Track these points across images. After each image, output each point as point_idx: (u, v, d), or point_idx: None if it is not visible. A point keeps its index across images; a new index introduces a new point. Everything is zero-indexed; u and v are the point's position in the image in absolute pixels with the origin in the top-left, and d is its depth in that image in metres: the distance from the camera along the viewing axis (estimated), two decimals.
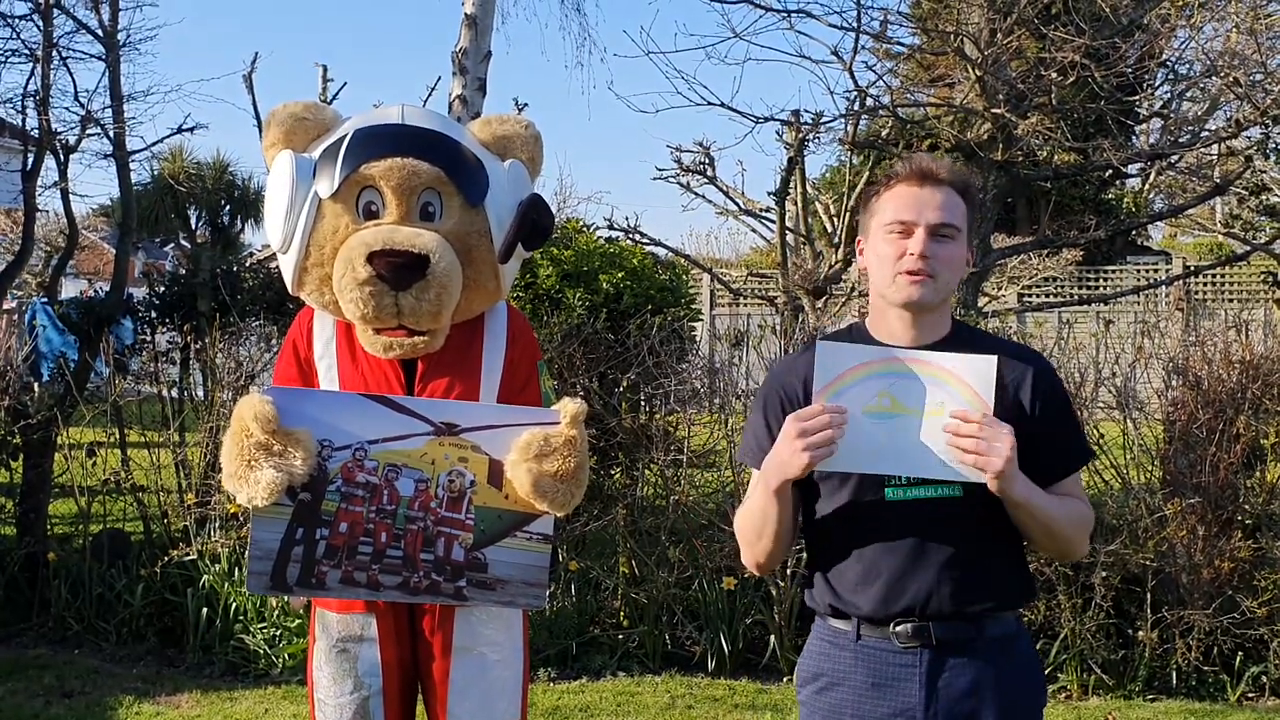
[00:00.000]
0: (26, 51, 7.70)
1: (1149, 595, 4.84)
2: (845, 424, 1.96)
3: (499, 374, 2.64)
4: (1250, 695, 4.85)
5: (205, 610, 5.21)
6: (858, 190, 8.19)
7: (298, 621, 5.00)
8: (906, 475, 2.02)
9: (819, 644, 2.15)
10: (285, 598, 4.73)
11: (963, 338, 2.13)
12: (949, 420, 1.96)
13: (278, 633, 5.09)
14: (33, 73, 7.62)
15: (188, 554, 5.32)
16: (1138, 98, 8.38)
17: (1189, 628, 4.80)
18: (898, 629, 2.04)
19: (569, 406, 2.48)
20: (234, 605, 5.18)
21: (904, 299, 2.06)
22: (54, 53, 7.67)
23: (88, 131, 7.79)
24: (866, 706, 2.05)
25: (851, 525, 2.08)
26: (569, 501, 2.48)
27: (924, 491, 2.04)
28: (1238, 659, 4.83)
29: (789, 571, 4.98)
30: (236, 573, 5.16)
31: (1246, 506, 4.93)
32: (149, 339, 9.43)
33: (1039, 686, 2.17)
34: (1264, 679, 4.83)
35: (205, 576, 5.24)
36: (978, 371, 1.97)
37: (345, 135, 2.58)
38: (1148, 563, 4.83)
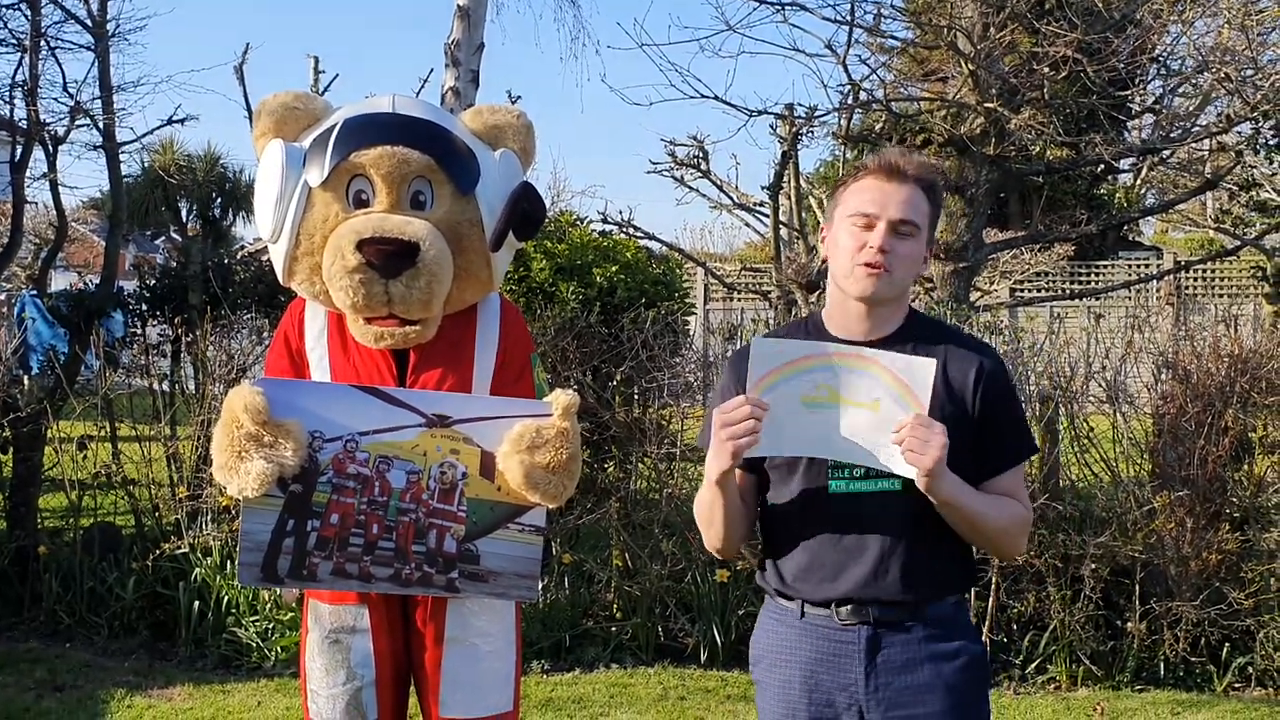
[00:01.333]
0: (14, 41, 7.67)
1: (1137, 587, 4.86)
2: (766, 414, 2.01)
3: (491, 366, 2.63)
4: (1237, 685, 4.88)
5: (197, 604, 5.20)
6: None
7: (290, 615, 5.00)
8: (839, 460, 2.09)
9: (768, 621, 2.24)
10: (277, 590, 4.73)
11: (915, 328, 2.19)
12: (883, 415, 2.03)
13: (270, 626, 5.09)
14: (21, 63, 7.60)
15: (179, 547, 5.32)
16: (1130, 93, 8.38)
17: (1177, 619, 4.83)
18: (839, 609, 2.12)
19: (561, 398, 2.48)
20: (226, 598, 5.18)
21: (859, 292, 2.12)
22: (42, 42, 7.64)
23: (77, 122, 7.76)
24: (814, 681, 2.14)
25: (798, 515, 2.16)
26: (561, 493, 2.48)
27: (866, 485, 2.11)
28: (1225, 650, 4.86)
29: None
30: (228, 566, 5.15)
31: (1234, 499, 4.96)
32: (139, 332, 9.41)
33: (978, 665, 2.20)
34: (1250, 669, 4.86)
35: (197, 570, 5.24)
36: (916, 372, 2.03)
37: (336, 124, 2.57)
38: (1136, 555, 4.86)
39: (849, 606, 2.11)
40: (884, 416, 2.03)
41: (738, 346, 6.61)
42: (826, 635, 2.14)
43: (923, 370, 2.02)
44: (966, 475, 2.07)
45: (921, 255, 2.15)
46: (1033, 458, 5.08)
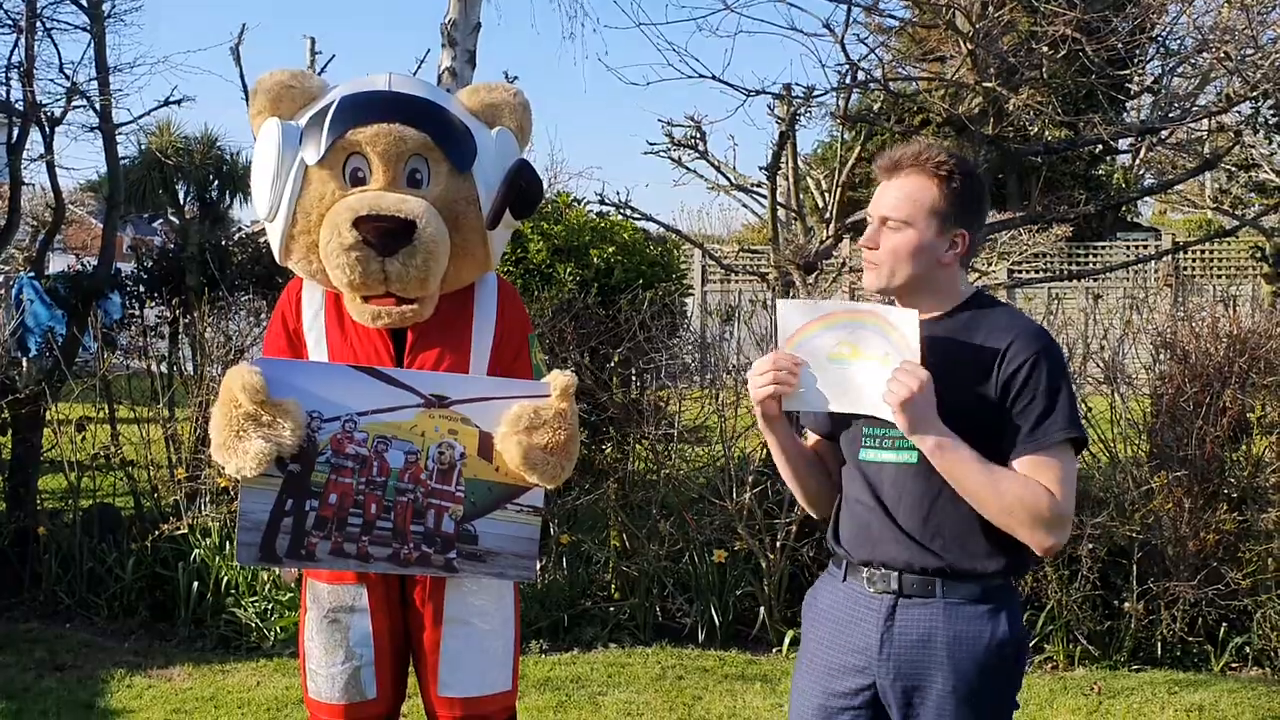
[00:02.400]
0: (10, 22, 7.61)
1: (1135, 567, 4.88)
2: (798, 367, 2.16)
3: (489, 346, 2.63)
4: (1234, 665, 4.90)
5: (196, 584, 5.22)
6: (849, 165, 8.17)
7: (289, 595, 5.01)
8: (857, 413, 2.19)
9: (823, 580, 2.36)
10: (276, 570, 4.74)
11: (976, 308, 2.23)
12: (890, 367, 2.11)
13: (269, 606, 5.10)
14: (16, 44, 7.54)
15: (178, 528, 5.33)
16: (1129, 72, 8.35)
17: (1174, 599, 4.85)
18: (871, 574, 2.21)
19: (559, 379, 2.48)
20: (225, 579, 5.20)
21: (865, 285, 2.27)
22: (38, 23, 7.59)
23: (73, 104, 7.71)
24: (838, 641, 2.25)
25: (847, 481, 2.28)
26: (559, 474, 2.49)
27: (889, 455, 2.18)
28: (1222, 630, 4.88)
29: (779, 544, 5.01)
30: (227, 546, 5.17)
31: (1232, 479, 4.97)
32: (137, 314, 9.40)
33: (1001, 654, 2.14)
34: (1247, 649, 4.88)
35: (196, 550, 5.25)
36: (903, 323, 2.13)
37: (332, 102, 2.57)
38: (1134, 535, 4.87)
39: (879, 572, 2.19)
40: (889, 368, 2.12)
41: (736, 329, 6.61)
42: (857, 599, 2.23)
43: (908, 320, 2.12)
44: (987, 451, 2.07)
45: (912, 245, 2.16)
46: None
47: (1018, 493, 2.07)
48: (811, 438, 2.39)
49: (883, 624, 2.17)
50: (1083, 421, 2.37)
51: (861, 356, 2.15)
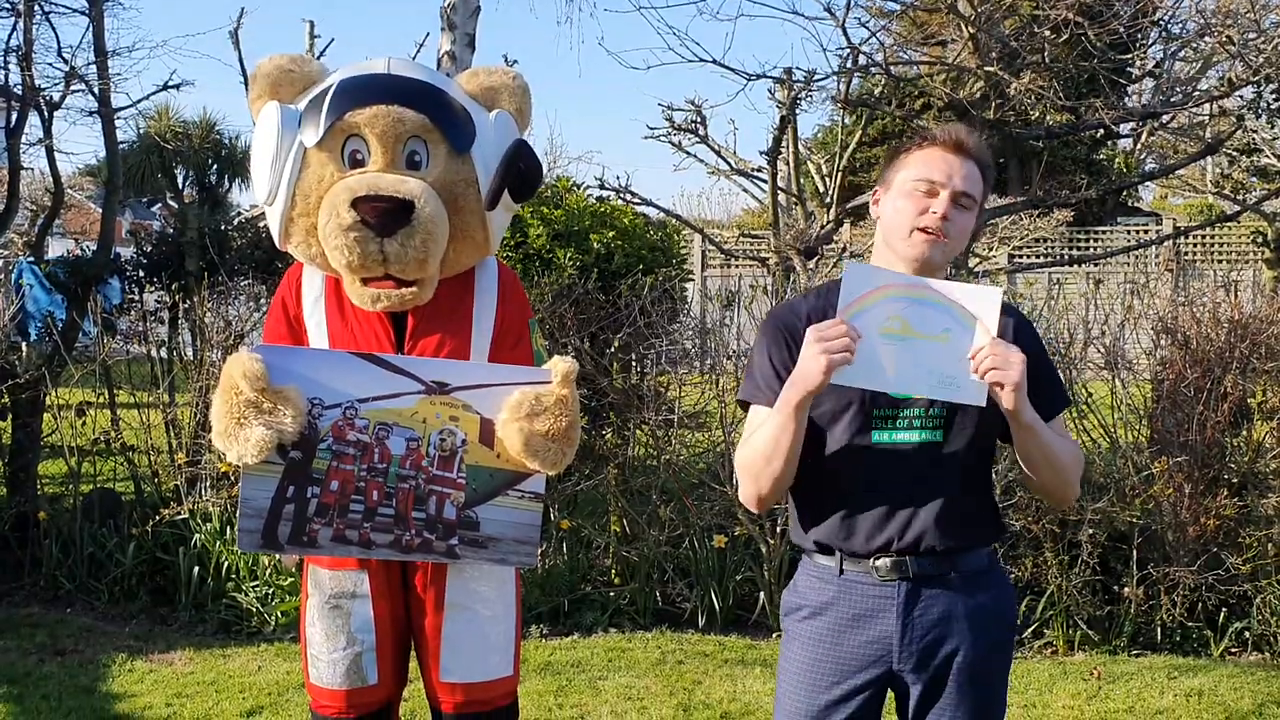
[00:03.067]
0: (8, 6, 7.58)
1: (1135, 552, 4.88)
2: (860, 339, 2.04)
3: (490, 331, 2.63)
4: (1233, 650, 4.91)
5: (197, 569, 5.23)
6: (850, 149, 8.14)
7: (290, 580, 5.02)
8: (911, 394, 2.12)
9: (805, 579, 2.29)
10: (277, 555, 4.75)
11: None
12: (952, 345, 2.06)
13: (270, 591, 5.11)
14: (15, 27, 7.51)
15: (179, 513, 5.34)
16: (1130, 56, 8.32)
17: (1174, 584, 4.85)
18: (877, 563, 2.17)
19: (560, 365, 2.47)
20: (226, 564, 5.21)
21: (916, 255, 2.15)
22: (36, 7, 7.56)
23: (72, 88, 7.69)
24: (846, 635, 2.19)
25: (840, 469, 2.19)
26: (560, 461, 2.48)
27: (910, 436, 2.16)
28: (1221, 615, 4.89)
29: (779, 530, 5.02)
30: (228, 531, 5.17)
31: (1233, 465, 4.97)
32: (137, 298, 9.39)
33: (1009, 618, 2.29)
34: (1247, 634, 4.89)
35: (197, 535, 5.25)
36: (983, 301, 2.07)
37: (331, 85, 2.56)
38: (1134, 520, 4.87)
39: (889, 561, 2.16)
40: (952, 347, 2.06)
41: (736, 314, 6.61)
42: (864, 592, 2.18)
43: (991, 296, 2.07)
44: (996, 421, 2.14)
45: (971, 229, 2.22)
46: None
47: (1074, 453, 2.22)
48: None
49: (902, 610, 2.15)
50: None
51: (913, 334, 2.06)
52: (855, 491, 2.18)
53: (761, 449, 2.17)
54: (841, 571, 2.20)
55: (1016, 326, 2.22)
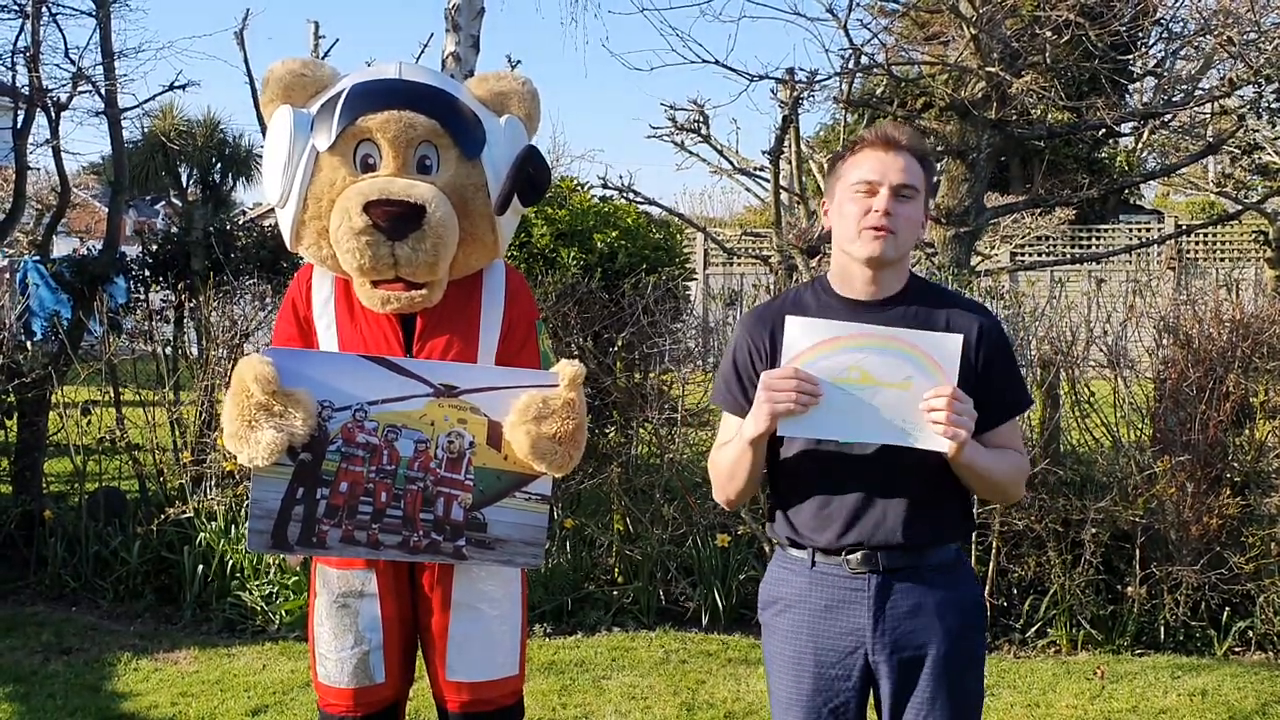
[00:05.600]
0: (16, 7, 7.60)
1: (1138, 552, 4.90)
2: (816, 393, 2.12)
3: (497, 332, 2.65)
4: (1237, 650, 4.92)
5: (202, 567, 5.24)
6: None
7: (295, 578, 5.04)
8: (872, 443, 2.18)
9: (778, 571, 2.36)
10: (284, 555, 4.77)
11: (917, 289, 2.31)
12: (914, 393, 2.12)
13: (275, 590, 5.13)
14: (22, 29, 7.52)
15: (184, 512, 5.36)
16: (1132, 56, 8.33)
17: (1177, 583, 4.87)
18: (849, 556, 2.24)
19: (567, 370, 2.50)
20: (231, 562, 5.22)
21: (867, 254, 2.21)
22: (44, 9, 7.57)
23: (79, 89, 7.70)
24: (821, 627, 2.27)
25: (812, 467, 2.26)
26: (567, 463, 2.51)
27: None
28: (1225, 614, 4.90)
29: None
30: (233, 530, 5.19)
31: (1235, 464, 4.98)
32: (143, 297, 9.41)
33: (979, 610, 2.35)
34: (1250, 634, 4.90)
35: (202, 534, 5.27)
36: (944, 349, 2.13)
37: (343, 90, 2.59)
38: (1137, 519, 4.89)
39: (859, 554, 2.22)
40: (915, 394, 2.11)
41: (739, 313, 6.63)
42: (836, 584, 2.25)
43: (951, 345, 2.12)
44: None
45: (920, 219, 2.27)
46: (1035, 424, 5.11)
47: (1012, 464, 2.28)
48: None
49: (873, 602, 2.23)
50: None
51: (875, 382, 2.12)
52: (827, 490, 2.25)
53: (725, 467, 2.30)
54: (814, 564, 2.27)
55: (982, 329, 2.26)
